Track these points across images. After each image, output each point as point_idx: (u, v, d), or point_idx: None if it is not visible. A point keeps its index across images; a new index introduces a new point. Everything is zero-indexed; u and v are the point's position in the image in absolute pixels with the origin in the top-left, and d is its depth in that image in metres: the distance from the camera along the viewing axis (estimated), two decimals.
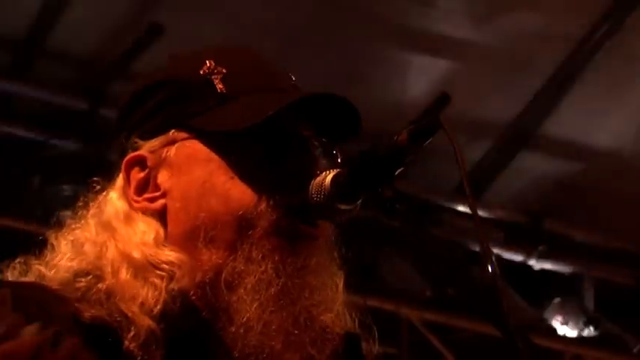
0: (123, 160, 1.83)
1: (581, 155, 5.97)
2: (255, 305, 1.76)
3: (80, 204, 1.85)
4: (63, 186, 5.05)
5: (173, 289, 1.73)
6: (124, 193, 1.83)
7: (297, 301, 1.78)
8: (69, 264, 1.78)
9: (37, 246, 1.82)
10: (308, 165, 1.79)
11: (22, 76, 5.15)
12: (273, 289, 1.77)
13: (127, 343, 1.68)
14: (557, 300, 6.22)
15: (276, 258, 1.77)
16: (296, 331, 1.78)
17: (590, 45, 5.44)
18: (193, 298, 1.76)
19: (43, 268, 1.79)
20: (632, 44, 5.48)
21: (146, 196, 1.82)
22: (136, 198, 1.81)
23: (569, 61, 5.52)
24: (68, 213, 1.84)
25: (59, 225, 1.83)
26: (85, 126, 5.23)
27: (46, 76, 5.19)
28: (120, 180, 1.84)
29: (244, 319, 1.76)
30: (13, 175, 5.24)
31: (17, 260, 1.81)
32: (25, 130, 5.24)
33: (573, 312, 6.19)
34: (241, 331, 1.76)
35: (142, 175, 1.82)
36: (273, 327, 1.77)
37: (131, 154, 1.83)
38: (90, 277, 1.74)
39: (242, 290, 1.77)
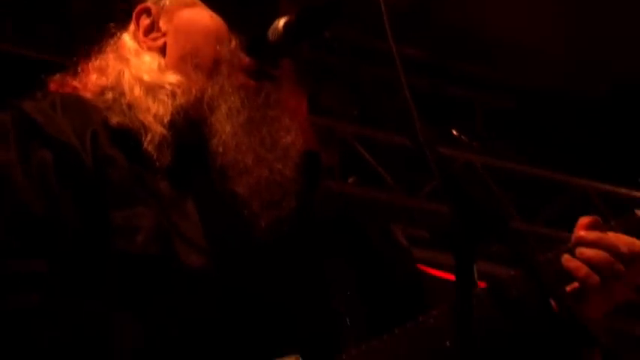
0: (134, 10, 2.27)
1: None
2: (228, 127, 2.11)
3: (100, 43, 2.27)
4: None
5: (176, 105, 2.13)
6: (135, 36, 2.26)
7: (261, 128, 2.13)
8: (97, 82, 2.19)
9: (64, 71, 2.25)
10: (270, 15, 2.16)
11: None
12: (241, 117, 2.12)
13: (145, 144, 2.07)
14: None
15: (242, 94, 2.14)
16: (263, 151, 2.12)
17: None
18: (191, 113, 2.14)
19: (76, 84, 2.22)
20: None
21: (151, 36, 2.25)
22: (143, 38, 2.25)
23: None
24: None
25: (85, 56, 2.26)
26: None
27: None
28: (132, 25, 2.27)
29: (222, 138, 2.11)
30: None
31: (55, 76, 2.25)
32: None
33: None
34: (220, 149, 2.10)
35: (147, 21, 2.26)
36: (244, 147, 2.10)
37: (140, 5, 2.27)
38: (114, 91, 2.14)
39: (219, 113, 2.12)
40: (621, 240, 2.14)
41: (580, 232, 2.16)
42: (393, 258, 2.34)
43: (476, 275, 1.68)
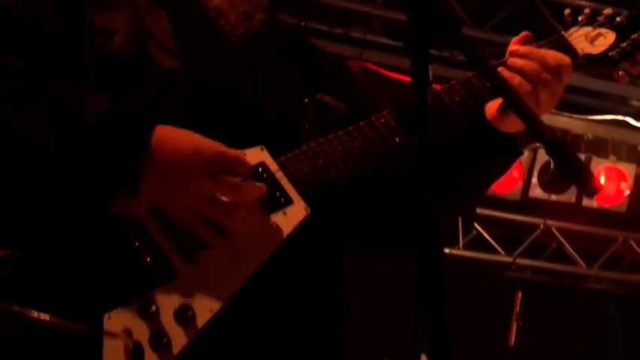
0: None
1: None
2: None
3: None
4: None
5: None
6: None
7: None
8: None
9: None
10: None
11: None
12: None
13: None
14: None
15: None
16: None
17: None
18: None
19: None
20: None
21: None
22: None
23: None
24: None
25: None
26: None
27: None
28: None
29: None
30: None
31: None
32: None
33: None
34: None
35: None
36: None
37: None
38: None
39: None
40: (549, 53, 2.37)
41: (513, 46, 2.37)
42: (340, 75, 2.57)
43: (430, 76, 1.86)
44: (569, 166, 1.78)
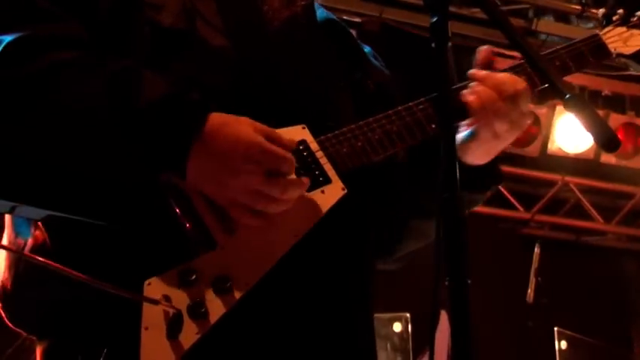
0: None
1: None
2: None
3: None
4: None
5: None
6: None
7: None
8: None
9: None
10: None
11: None
12: None
13: None
14: None
15: None
16: None
17: None
18: None
19: None
20: None
21: None
22: None
23: None
24: None
25: None
26: None
27: None
28: None
29: None
30: None
31: None
32: None
33: None
34: None
35: None
36: None
37: None
38: None
39: None
40: (505, 79, 2.33)
41: (471, 71, 2.38)
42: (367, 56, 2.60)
43: (449, 33, 1.86)
44: (588, 121, 1.79)
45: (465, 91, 2.35)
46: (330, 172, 2.21)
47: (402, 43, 6.52)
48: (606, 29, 2.53)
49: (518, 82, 2.33)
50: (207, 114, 2.04)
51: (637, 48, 2.52)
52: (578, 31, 7.45)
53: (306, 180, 2.12)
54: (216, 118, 2.04)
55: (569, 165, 8.32)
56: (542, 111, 7.84)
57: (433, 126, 2.29)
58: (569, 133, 7.93)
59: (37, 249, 2.05)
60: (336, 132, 2.26)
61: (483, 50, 2.41)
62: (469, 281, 1.68)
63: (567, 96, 1.79)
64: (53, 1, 2.10)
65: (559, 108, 7.79)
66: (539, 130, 7.92)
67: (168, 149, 2.01)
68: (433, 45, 1.82)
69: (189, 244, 2.04)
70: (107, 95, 2.01)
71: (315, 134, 2.23)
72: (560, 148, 8.04)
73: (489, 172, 2.42)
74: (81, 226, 2.02)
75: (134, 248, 2.02)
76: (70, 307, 2.02)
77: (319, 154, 2.22)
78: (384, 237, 2.48)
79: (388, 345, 6.57)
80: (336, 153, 2.23)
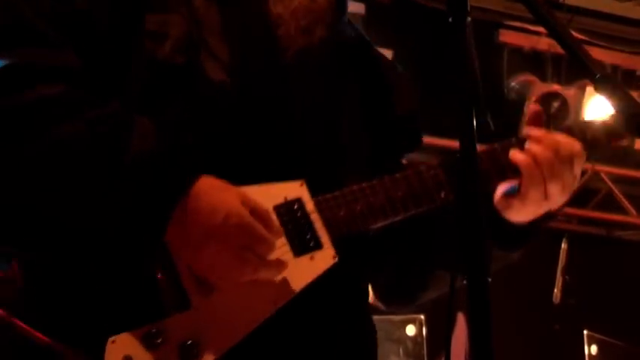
0: None
1: None
2: None
3: None
4: None
5: None
6: None
7: None
8: None
9: None
10: None
11: None
12: None
13: None
14: None
15: None
16: None
17: None
18: None
19: None
20: None
21: None
22: None
23: None
24: None
25: None
26: None
27: None
28: None
29: None
30: None
31: None
32: None
33: None
34: None
35: None
36: None
37: None
38: None
39: None
40: (562, 141, 2.39)
41: (526, 129, 2.41)
42: (399, 88, 2.59)
43: (468, 6, 1.85)
44: (620, 104, 1.78)
45: (516, 150, 2.38)
46: (323, 236, 2.22)
47: (416, 17, 6.52)
48: None
49: (575, 145, 2.39)
50: (194, 179, 2.08)
51: None
52: (610, 5, 7.44)
53: (283, 263, 2.14)
54: (204, 184, 2.08)
55: (599, 152, 8.29)
56: (570, 92, 7.82)
57: (442, 194, 2.32)
58: (601, 117, 7.91)
59: (6, 283, 2.09)
60: (336, 193, 2.26)
61: (533, 106, 2.43)
62: (489, 280, 1.68)
63: (598, 76, 1.78)
64: (49, 22, 2.14)
65: (589, 89, 7.77)
66: (567, 113, 7.90)
67: (149, 214, 2.05)
68: (450, 19, 1.82)
69: (162, 302, 2.07)
70: (92, 144, 2.05)
71: (315, 189, 2.24)
72: None
73: (530, 232, 2.49)
74: (56, 268, 2.07)
75: (105, 299, 2.06)
76: None
77: (314, 217, 2.22)
78: (407, 284, 2.52)
79: (401, 350, 6.56)
80: (332, 216, 2.24)
